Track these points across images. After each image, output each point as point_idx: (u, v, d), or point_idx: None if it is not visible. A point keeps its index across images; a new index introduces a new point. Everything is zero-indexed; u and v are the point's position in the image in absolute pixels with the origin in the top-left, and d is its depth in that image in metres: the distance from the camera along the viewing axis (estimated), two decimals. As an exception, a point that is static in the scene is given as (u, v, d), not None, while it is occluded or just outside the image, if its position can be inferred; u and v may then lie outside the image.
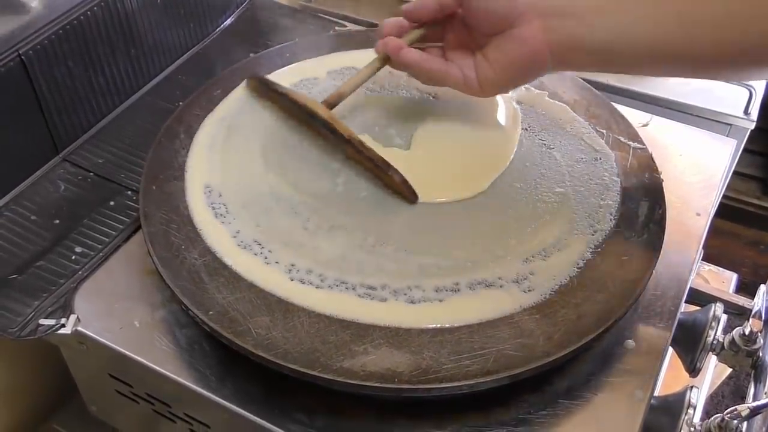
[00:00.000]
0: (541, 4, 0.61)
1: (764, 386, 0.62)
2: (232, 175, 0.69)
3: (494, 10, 0.63)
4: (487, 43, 0.64)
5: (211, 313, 0.57)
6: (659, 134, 0.79)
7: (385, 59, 0.69)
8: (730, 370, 0.82)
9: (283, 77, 0.79)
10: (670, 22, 0.57)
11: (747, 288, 0.88)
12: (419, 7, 0.67)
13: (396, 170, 0.65)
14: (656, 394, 0.60)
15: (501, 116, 0.74)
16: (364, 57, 0.71)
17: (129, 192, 0.74)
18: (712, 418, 0.58)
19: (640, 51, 0.60)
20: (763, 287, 0.67)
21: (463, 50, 0.67)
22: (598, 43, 0.60)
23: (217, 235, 0.64)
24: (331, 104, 0.70)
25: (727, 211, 1.50)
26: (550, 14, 0.61)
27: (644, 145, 0.72)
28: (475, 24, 0.65)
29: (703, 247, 0.71)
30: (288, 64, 0.82)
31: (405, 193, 0.66)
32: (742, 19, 0.54)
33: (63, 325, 0.62)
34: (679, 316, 0.64)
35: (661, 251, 0.62)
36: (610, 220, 0.65)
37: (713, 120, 1.01)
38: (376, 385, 0.53)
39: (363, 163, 0.68)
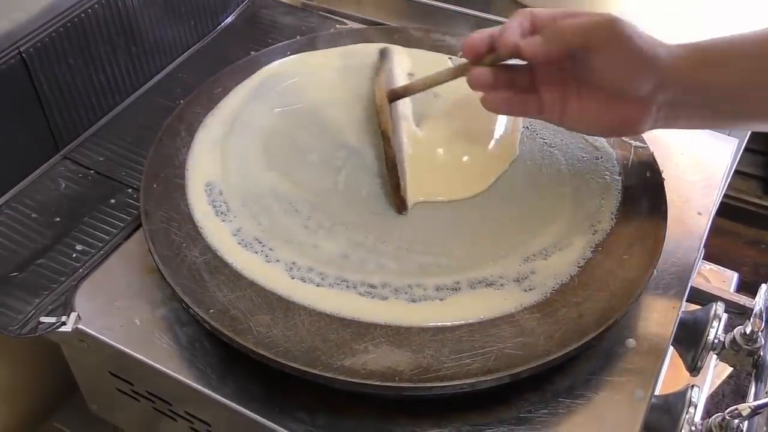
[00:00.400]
0: (662, 96, 0.57)
1: (765, 385, 0.62)
2: (233, 174, 0.69)
3: (614, 90, 0.58)
4: (589, 93, 0.59)
5: (211, 311, 0.57)
6: (661, 133, 0.79)
7: (471, 65, 0.62)
8: (731, 369, 0.82)
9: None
10: None
11: (748, 287, 0.88)
12: (509, 44, 0.57)
13: (398, 177, 0.65)
14: (657, 393, 0.60)
15: (502, 117, 0.74)
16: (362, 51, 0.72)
17: (130, 190, 0.74)
18: (713, 417, 0.58)
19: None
20: (764, 286, 0.67)
21: (556, 83, 0.60)
22: (703, 116, 0.60)
23: (218, 234, 0.64)
24: (396, 94, 0.70)
25: (728, 210, 1.50)
26: (667, 110, 0.58)
27: (645, 143, 0.72)
28: (584, 82, 0.59)
29: (704, 246, 0.71)
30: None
31: (395, 200, 0.66)
32: None
33: (63, 323, 0.62)
34: (680, 315, 0.64)
35: (662, 250, 0.62)
36: (611, 219, 0.65)
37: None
38: (376, 383, 0.53)
39: (385, 160, 0.67)
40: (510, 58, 0.59)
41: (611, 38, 0.55)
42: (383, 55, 0.79)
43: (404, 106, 0.73)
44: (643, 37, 0.56)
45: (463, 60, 0.63)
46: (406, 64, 0.80)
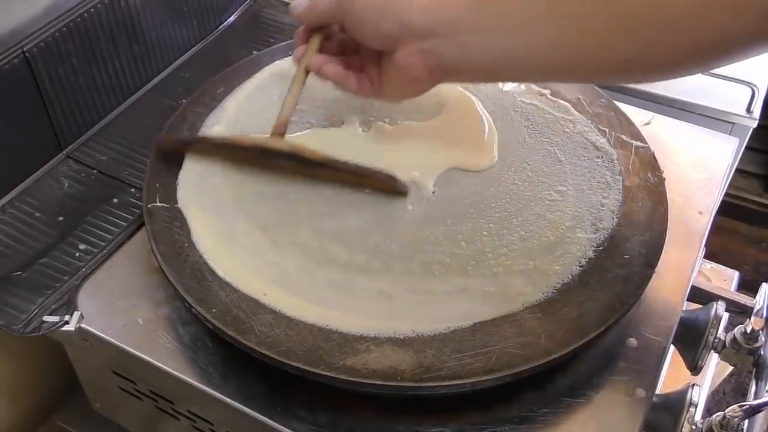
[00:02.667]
0: (417, 26, 0.58)
1: (765, 384, 0.62)
2: (234, 174, 0.69)
3: (370, 37, 0.62)
4: (383, 58, 0.63)
5: (214, 310, 0.58)
6: (661, 132, 0.79)
7: (307, 71, 0.67)
8: (732, 368, 0.82)
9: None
10: (564, 38, 0.55)
11: (749, 285, 0.88)
12: (307, 13, 0.66)
13: (379, 171, 0.66)
14: (658, 392, 0.60)
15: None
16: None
17: (132, 189, 0.74)
18: (714, 416, 0.58)
19: (529, 68, 0.59)
20: (764, 285, 0.67)
21: (373, 60, 0.65)
22: (476, 65, 0.59)
23: (218, 234, 0.64)
24: (281, 133, 0.67)
25: (728, 208, 1.50)
26: (426, 36, 0.58)
27: (646, 143, 0.72)
28: (361, 43, 0.64)
29: (705, 245, 0.71)
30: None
31: (396, 188, 0.67)
32: (626, 34, 0.52)
33: (67, 322, 0.62)
34: (680, 314, 0.64)
35: (663, 249, 0.62)
36: (612, 218, 0.65)
37: (715, 118, 1.01)
38: (378, 383, 0.53)
39: (342, 178, 0.67)
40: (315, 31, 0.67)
41: (354, 7, 0.61)
42: (183, 141, 0.73)
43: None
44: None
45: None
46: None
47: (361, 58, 0.66)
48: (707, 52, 0.51)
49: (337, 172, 0.67)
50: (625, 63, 0.54)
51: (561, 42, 0.55)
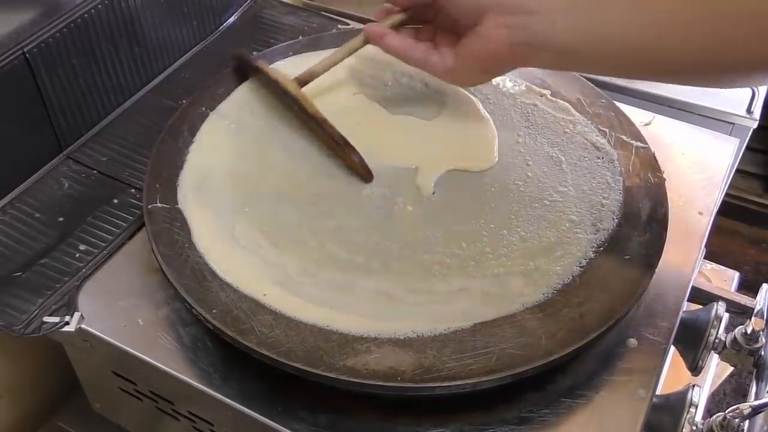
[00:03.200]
0: (507, 1, 0.60)
1: (766, 385, 0.62)
2: (235, 174, 0.69)
3: (460, 5, 0.63)
4: (464, 33, 0.64)
5: (214, 311, 0.58)
6: (662, 133, 0.79)
7: (364, 41, 0.70)
8: (732, 368, 0.82)
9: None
10: (645, 26, 0.55)
11: (749, 286, 0.88)
12: None
13: (354, 150, 0.68)
14: (658, 392, 0.60)
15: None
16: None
17: (132, 190, 0.74)
18: (714, 416, 0.58)
19: (607, 53, 0.58)
20: (765, 286, 0.67)
21: (450, 36, 0.67)
22: (560, 43, 0.59)
23: (217, 235, 0.64)
24: (302, 81, 0.71)
25: (728, 209, 1.50)
26: (514, 12, 0.59)
27: (647, 144, 0.72)
28: (450, 15, 0.66)
29: (705, 246, 0.71)
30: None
31: (361, 172, 0.68)
32: (727, 22, 0.51)
33: (67, 323, 0.62)
34: (681, 314, 0.64)
35: (664, 250, 0.62)
36: (613, 219, 0.65)
37: (716, 119, 1.01)
38: (379, 383, 0.53)
39: (326, 141, 0.70)
40: (403, 10, 0.69)
41: None
42: (245, 61, 0.80)
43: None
44: None
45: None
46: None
47: (439, 35, 0.68)
48: None
49: (322, 131, 0.69)
50: (702, 62, 0.54)
51: (642, 28, 0.55)
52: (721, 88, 0.61)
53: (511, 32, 0.60)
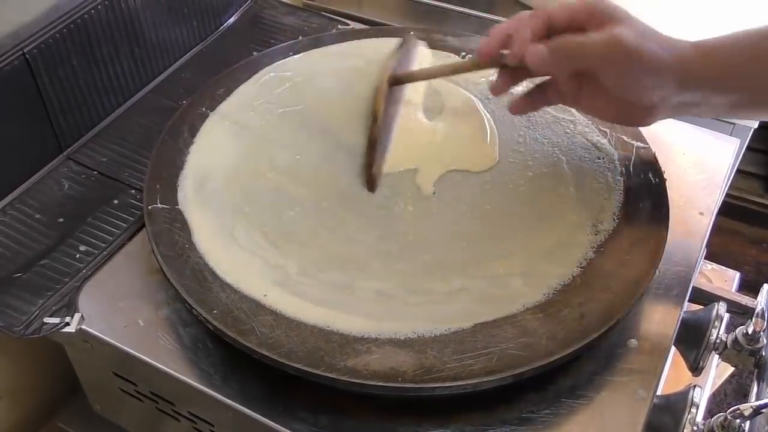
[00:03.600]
0: (674, 99, 0.59)
1: (767, 385, 0.62)
2: (235, 175, 0.69)
3: (627, 100, 0.59)
4: (601, 95, 0.60)
5: (215, 311, 0.58)
6: (662, 133, 0.79)
7: (482, 65, 0.64)
8: (733, 369, 0.82)
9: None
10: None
11: (750, 286, 0.88)
12: (516, 54, 0.59)
13: (374, 160, 0.67)
14: (659, 393, 0.60)
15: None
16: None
17: (133, 190, 0.74)
18: (715, 417, 0.58)
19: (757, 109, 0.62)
20: (766, 286, 0.67)
21: (571, 79, 0.61)
22: (712, 109, 0.62)
23: (217, 237, 0.64)
24: (398, 79, 0.71)
25: (729, 209, 1.49)
26: (679, 108, 0.60)
27: (647, 144, 0.72)
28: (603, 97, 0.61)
29: (706, 246, 0.71)
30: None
31: (366, 178, 0.68)
32: None
33: (67, 324, 0.62)
34: (682, 315, 0.64)
35: (664, 250, 0.62)
36: (613, 219, 0.65)
37: (716, 119, 1.00)
38: (379, 384, 0.53)
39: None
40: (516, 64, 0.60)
41: (617, 58, 0.56)
42: (403, 43, 0.79)
43: (414, 93, 0.76)
44: (649, 48, 0.57)
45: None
46: (425, 56, 0.81)
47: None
48: None
49: (370, 129, 0.69)
50: None
51: None
52: None
53: (674, 110, 0.61)
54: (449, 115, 0.75)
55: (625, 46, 0.56)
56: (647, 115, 0.61)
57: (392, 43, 0.83)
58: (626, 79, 0.58)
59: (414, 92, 0.76)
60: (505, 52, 0.60)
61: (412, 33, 0.82)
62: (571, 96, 0.62)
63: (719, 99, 0.60)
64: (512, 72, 0.63)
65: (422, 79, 0.72)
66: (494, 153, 0.71)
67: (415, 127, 0.74)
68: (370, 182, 0.67)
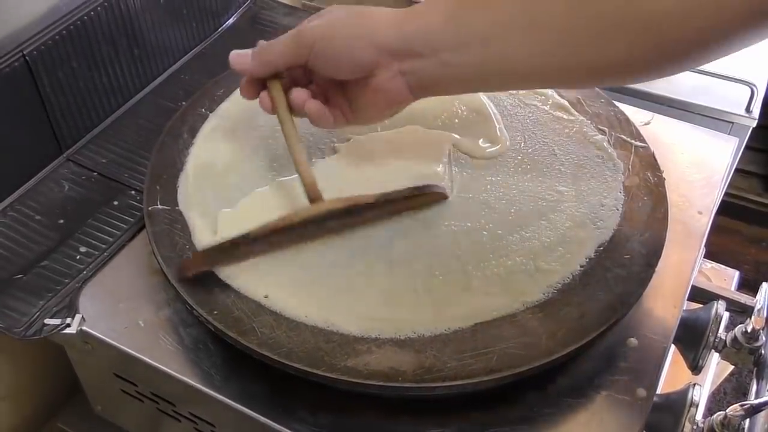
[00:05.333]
0: (394, 46, 0.58)
1: (767, 383, 0.62)
2: (235, 176, 0.69)
3: (339, 68, 0.60)
4: (351, 86, 0.61)
5: (215, 312, 0.58)
6: (661, 132, 0.80)
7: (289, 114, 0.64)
8: (732, 367, 0.82)
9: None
10: (532, 51, 0.55)
11: (749, 285, 0.88)
12: (258, 64, 0.63)
13: (426, 186, 0.65)
14: (659, 391, 0.60)
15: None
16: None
17: (133, 192, 0.74)
18: (715, 415, 0.58)
19: (507, 79, 0.59)
20: (765, 285, 0.67)
21: (335, 89, 0.63)
22: (458, 79, 0.59)
23: (214, 238, 0.64)
24: (318, 195, 0.62)
25: (728, 208, 1.50)
26: (404, 56, 0.58)
27: (646, 143, 0.72)
28: (326, 77, 0.62)
29: (705, 245, 0.71)
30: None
31: (440, 197, 0.66)
32: (606, 39, 0.52)
33: (68, 325, 0.62)
34: (681, 314, 0.64)
35: (663, 249, 0.62)
36: (612, 218, 0.65)
37: (715, 118, 1.01)
38: (379, 383, 0.53)
39: (398, 209, 0.65)
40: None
41: (318, 45, 0.59)
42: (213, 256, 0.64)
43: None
44: (350, 24, 0.59)
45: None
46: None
47: (321, 88, 0.64)
48: (690, 49, 0.51)
49: (390, 205, 0.64)
50: (609, 66, 0.54)
51: (542, 51, 0.55)
52: (642, 81, 0.62)
53: (406, 78, 0.59)
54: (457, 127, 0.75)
55: (303, 32, 0.60)
56: (389, 89, 0.60)
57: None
58: (328, 60, 0.60)
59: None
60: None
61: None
62: (340, 101, 0.63)
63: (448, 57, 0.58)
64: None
65: (309, 168, 0.63)
66: (504, 136, 0.73)
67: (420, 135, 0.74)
68: (442, 195, 0.66)
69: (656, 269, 0.61)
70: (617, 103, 0.77)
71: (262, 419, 0.56)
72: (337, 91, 0.63)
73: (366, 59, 0.59)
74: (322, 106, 0.63)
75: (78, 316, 0.63)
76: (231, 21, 0.97)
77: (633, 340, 0.61)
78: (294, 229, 0.61)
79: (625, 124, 0.74)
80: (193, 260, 0.61)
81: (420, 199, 0.65)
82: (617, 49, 0.52)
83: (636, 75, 0.56)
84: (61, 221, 0.71)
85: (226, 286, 0.60)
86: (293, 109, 0.63)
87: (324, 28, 0.60)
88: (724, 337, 0.65)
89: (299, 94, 0.63)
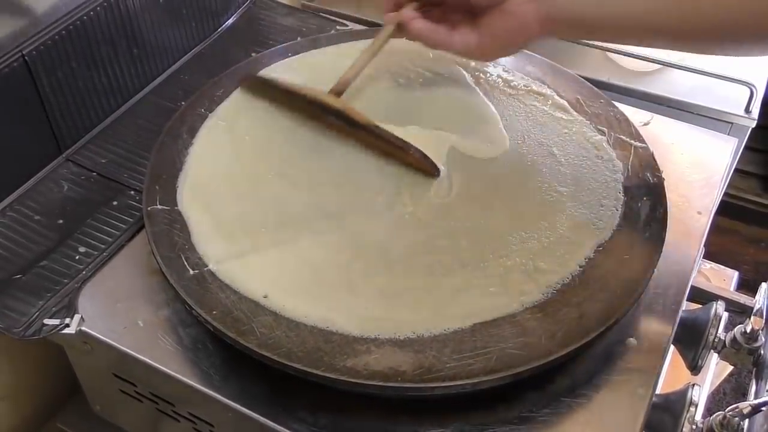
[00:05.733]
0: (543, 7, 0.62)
1: (765, 383, 0.62)
2: (235, 176, 0.69)
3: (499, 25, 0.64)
4: (484, 12, 0.65)
5: (214, 312, 0.58)
6: (660, 133, 0.80)
7: (392, 32, 0.70)
8: (732, 367, 0.82)
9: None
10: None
11: (748, 285, 0.88)
12: None
13: (415, 148, 0.67)
14: (658, 391, 0.61)
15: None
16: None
17: (132, 192, 0.74)
18: (714, 415, 0.58)
19: (630, 24, 0.61)
20: (764, 285, 0.67)
21: (464, 16, 0.67)
22: (589, 16, 0.62)
23: (215, 239, 0.64)
24: (338, 92, 0.71)
25: (727, 208, 1.50)
26: (553, 23, 0.62)
27: (645, 143, 0.72)
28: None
29: (704, 245, 0.71)
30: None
31: (427, 168, 0.68)
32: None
33: (67, 325, 0.62)
34: (680, 314, 0.64)
35: (663, 250, 0.62)
36: (612, 219, 0.65)
37: (714, 118, 1.01)
38: (379, 384, 0.53)
39: (380, 146, 0.69)
40: None
41: None
42: (260, 82, 0.79)
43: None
44: None
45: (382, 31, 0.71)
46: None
47: (451, 15, 0.68)
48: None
49: (375, 138, 0.69)
50: (716, 31, 0.57)
51: (657, 3, 0.59)
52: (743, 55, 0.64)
53: (539, 7, 0.62)
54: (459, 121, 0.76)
55: None
56: (522, 22, 0.63)
57: (391, 43, 0.83)
58: None
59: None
60: None
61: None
62: (468, 26, 0.66)
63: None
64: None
65: (355, 75, 0.72)
66: (504, 135, 0.73)
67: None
68: (431, 166, 0.68)
69: (655, 269, 0.61)
70: (616, 104, 0.77)
71: (262, 419, 0.56)
72: (464, 18, 0.66)
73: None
74: (433, 26, 0.67)
75: (77, 316, 0.63)
76: (230, 21, 0.97)
77: (632, 340, 0.61)
78: (303, 100, 0.71)
79: (625, 124, 0.74)
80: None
81: (410, 157, 0.68)
82: (725, 16, 0.56)
83: (742, 46, 0.60)
84: (61, 221, 0.71)
85: (225, 286, 0.60)
86: (403, 29, 0.69)
87: None
88: (723, 338, 0.65)
89: (409, 12, 0.68)
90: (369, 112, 0.73)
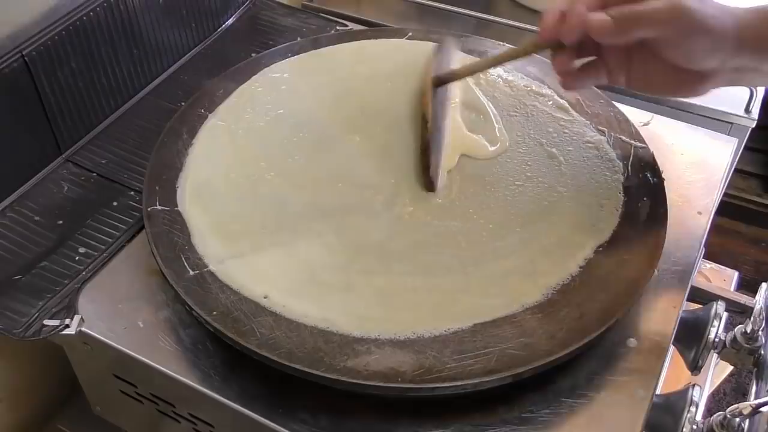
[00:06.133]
0: (730, 63, 0.57)
1: (766, 384, 0.62)
2: (235, 176, 0.69)
3: (683, 68, 0.58)
4: (655, 62, 0.58)
5: (214, 313, 0.58)
6: (660, 133, 0.80)
7: (539, 46, 0.61)
8: (732, 367, 0.82)
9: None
10: None
11: (748, 285, 0.88)
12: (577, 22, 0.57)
13: (429, 163, 0.68)
14: (658, 392, 0.60)
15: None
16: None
17: (132, 192, 0.74)
18: (714, 415, 0.58)
19: None
20: (764, 285, 0.67)
21: (620, 50, 0.60)
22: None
23: (215, 239, 0.64)
24: (441, 79, 0.72)
25: (727, 208, 1.50)
26: (735, 75, 0.59)
27: (645, 144, 0.72)
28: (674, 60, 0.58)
29: (705, 245, 0.71)
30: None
31: (425, 180, 0.68)
32: None
33: (67, 326, 0.62)
34: (680, 314, 0.64)
35: (663, 250, 0.62)
36: (612, 219, 0.65)
37: (714, 119, 1.01)
38: (379, 384, 0.53)
39: (420, 139, 0.71)
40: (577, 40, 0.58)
41: (680, 23, 0.55)
42: (440, 46, 0.79)
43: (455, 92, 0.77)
44: (709, 11, 0.56)
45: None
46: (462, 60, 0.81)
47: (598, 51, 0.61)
48: None
49: (421, 133, 0.71)
50: None
51: None
52: None
53: (731, 78, 0.59)
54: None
55: (687, 11, 0.55)
56: (702, 83, 0.59)
57: (389, 44, 0.83)
58: (687, 43, 0.56)
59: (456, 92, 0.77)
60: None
61: (449, 36, 0.83)
62: (621, 69, 0.60)
63: None
64: (568, 52, 0.60)
65: (466, 75, 0.72)
66: (504, 136, 0.73)
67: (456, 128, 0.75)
68: (430, 184, 0.68)
69: (656, 269, 0.61)
70: (616, 104, 0.77)
71: (262, 420, 0.56)
72: (619, 56, 0.60)
73: (713, 63, 0.57)
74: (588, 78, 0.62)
75: (77, 317, 0.62)
76: (230, 21, 0.97)
77: (632, 341, 0.61)
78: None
79: (625, 124, 0.74)
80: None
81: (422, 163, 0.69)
82: None
83: None
84: (60, 222, 0.71)
85: (225, 287, 0.60)
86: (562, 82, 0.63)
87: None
88: (723, 338, 0.65)
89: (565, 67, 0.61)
90: (369, 111, 0.74)
